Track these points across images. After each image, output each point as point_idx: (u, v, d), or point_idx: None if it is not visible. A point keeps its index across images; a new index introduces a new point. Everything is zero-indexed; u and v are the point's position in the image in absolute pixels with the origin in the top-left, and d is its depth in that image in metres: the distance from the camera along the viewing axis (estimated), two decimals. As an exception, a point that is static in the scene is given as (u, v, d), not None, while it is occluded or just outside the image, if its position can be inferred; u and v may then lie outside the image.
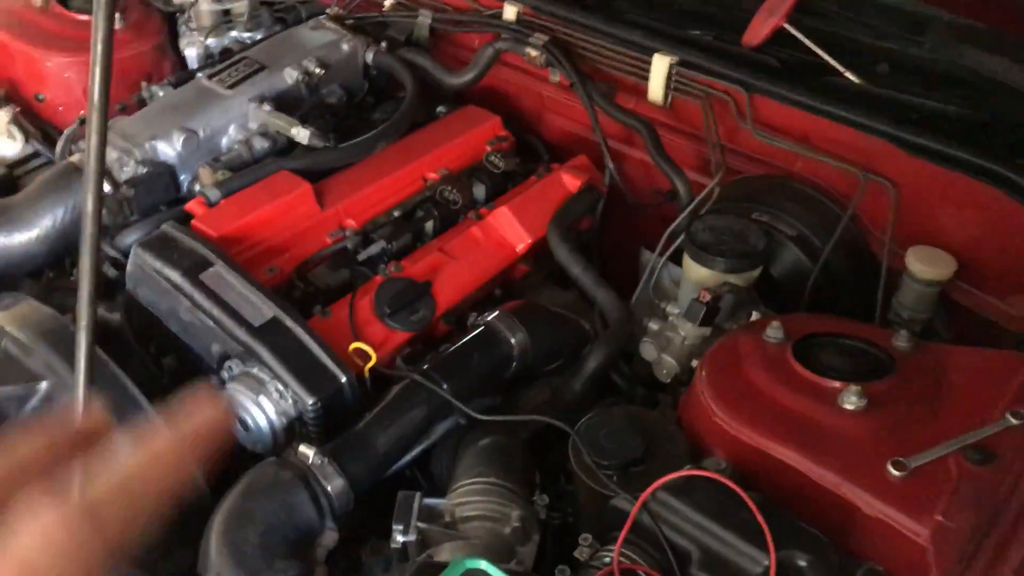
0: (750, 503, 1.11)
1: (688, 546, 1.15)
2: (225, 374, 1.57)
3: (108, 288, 1.78)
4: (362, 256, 1.75)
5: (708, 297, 1.52)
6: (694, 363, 1.53)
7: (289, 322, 1.53)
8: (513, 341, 1.59)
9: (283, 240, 1.74)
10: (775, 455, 1.24)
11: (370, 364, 1.56)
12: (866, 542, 1.15)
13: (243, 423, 1.53)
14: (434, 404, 1.48)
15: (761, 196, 1.79)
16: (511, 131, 2.11)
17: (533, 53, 2.01)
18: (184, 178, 1.90)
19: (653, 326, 1.64)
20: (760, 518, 1.10)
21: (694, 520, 1.15)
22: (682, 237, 1.68)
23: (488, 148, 2.05)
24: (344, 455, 1.38)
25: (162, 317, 1.63)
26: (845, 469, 1.19)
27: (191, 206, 1.74)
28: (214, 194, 1.74)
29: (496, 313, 1.62)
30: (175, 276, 1.57)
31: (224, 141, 1.93)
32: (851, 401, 1.24)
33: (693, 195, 1.82)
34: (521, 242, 1.84)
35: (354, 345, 1.55)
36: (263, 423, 1.50)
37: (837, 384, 1.28)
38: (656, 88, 1.93)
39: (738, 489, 1.13)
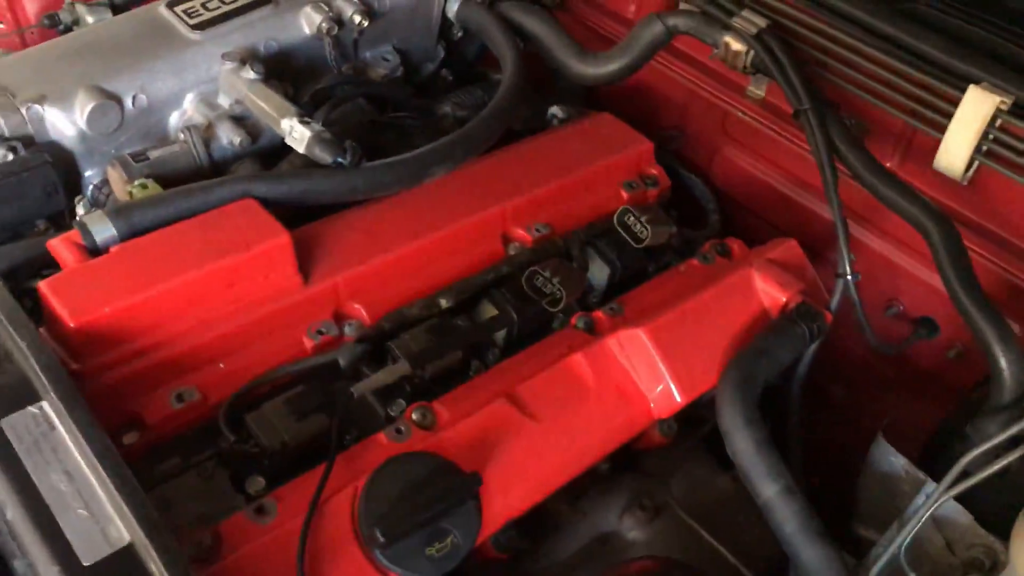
0: None
1: None
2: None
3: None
4: (359, 389, 0.91)
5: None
6: None
7: (156, 563, 0.70)
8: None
9: (217, 337, 0.91)
10: None
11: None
12: None
13: None
14: None
15: None
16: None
17: (733, 45, 1.13)
18: (90, 175, 1.08)
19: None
20: None
21: None
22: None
23: (625, 195, 1.19)
24: None
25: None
26: None
27: (55, 247, 0.91)
28: (102, 229, 0.91)
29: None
30: (-47, 409, 0.75)
31: (169, 121, 1.10)
32: None
33: None
34: (667, 399, 0.98)
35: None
36: None
37: None
38: (956, 147, 1.03)
39: None
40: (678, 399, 0.97)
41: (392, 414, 0.94)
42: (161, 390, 0.87)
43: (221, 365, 0.91)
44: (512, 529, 0.90)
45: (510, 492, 0.89)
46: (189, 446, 0.89)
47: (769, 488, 0.89)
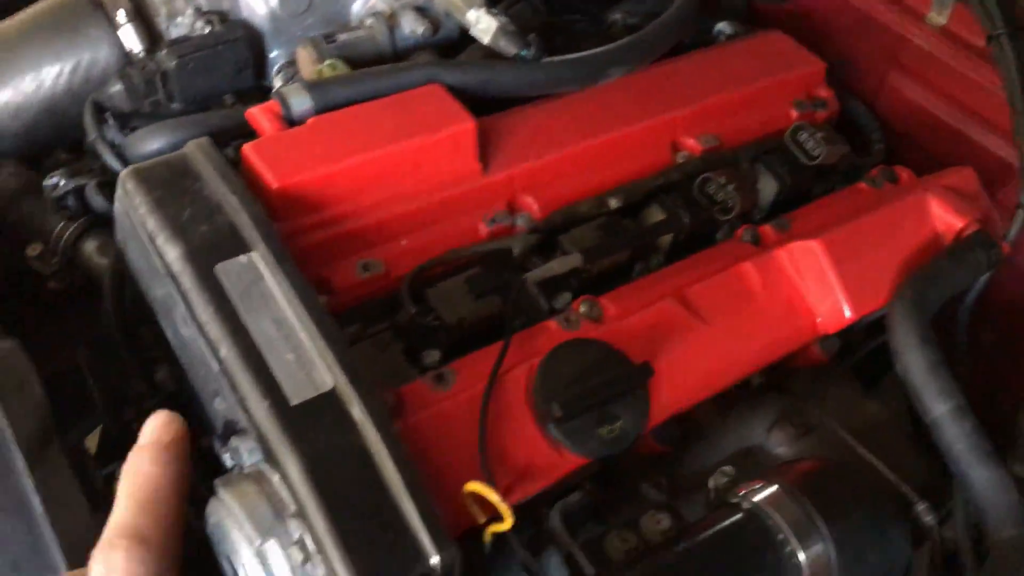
0: None
1: None
2: (227, 457, 0.81)
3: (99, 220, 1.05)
4: (533, 276, 0.93)
5: None
6: None
7: (359, 408, 0.74)
8: (803, 559, 0.74)
9: (401, 215, 0.94)
10: None
11: (497, 528, 0.76)
12: None
13: (231, 567, 0.77)
14: None
15: None
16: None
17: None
18: (275, 55, 1.11)
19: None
20: None
21: None
22: None
23: (795, 114, 1.17)
24: None
25: (153, 308, 0.88)
26: None
27: (255, 115, 0.95)
28: (300, 101, 0.94)
29: (772, 489, 0.78)
30: (172, 254, 0.79)
31: (352, 9, 1.12)
32: None
33: None
34: (835, 314, 0.98)
35: (473, 487, 0.75)
36: (262, 593, 0.73)
37: None
38: None
39: None
40: (847, 314, 0.97)
41: (556, 307, 0.96)
42: (349, 259, 0.90)
43: (403, 242, 0.93)
44: (674, 424, 0.92)
45: (676, 387, 0.90)
46: (367, 316, 0.93)
47: (940, 406, 0.88)
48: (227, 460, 0.82)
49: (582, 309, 0.93)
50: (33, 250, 1.06)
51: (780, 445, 1.04)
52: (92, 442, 1.21)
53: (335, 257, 0.90)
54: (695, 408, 0.99)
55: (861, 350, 1.10)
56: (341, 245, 0.90)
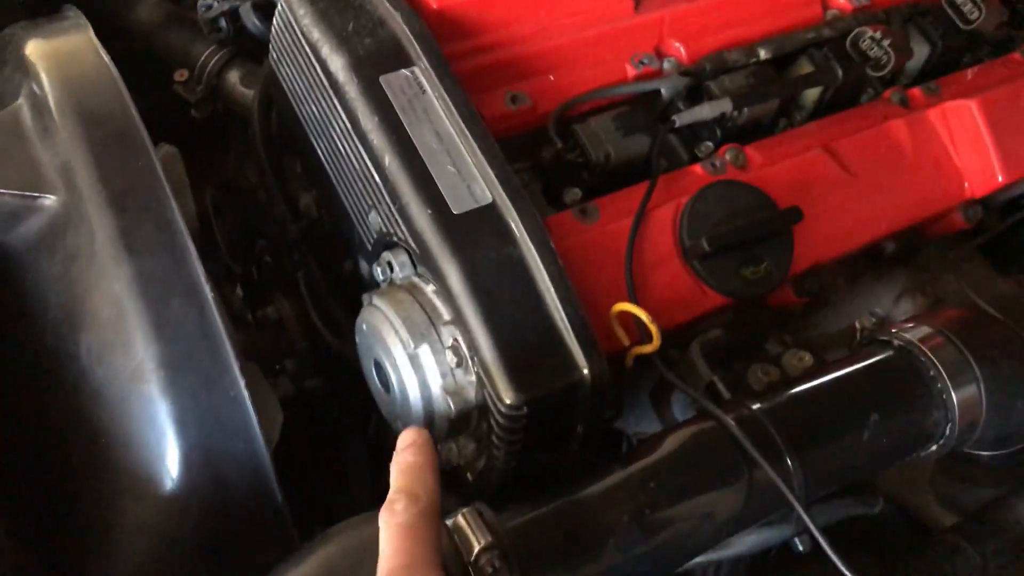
0: None
1: None
2: (378, 271, 0.84)
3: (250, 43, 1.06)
4: (683, 118, 0.93)
5: None
6: None
7: (517, 222, 0.75)
8: (954, 398, 0.74)
9: (551, 48, 0.93)
10: None
11: (643, 350, 0.77)
12: None
13: (381, 373, 0.80)
14: (756, 497, 0.68)
15: None
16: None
17: None
18: None
19: None
20: None
21: None
22: None
23: (952, -23, 1.12)
24: (538, 559, 0.63)
25: (305, 127, 0.90)
26: None
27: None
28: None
29: (926, 329, 0.78)
30: (337, 63, 0.80)
31: None
32: None
33: None
34: (986, 177, 0.95)
35: (623, 307, 0.76)
36: (413, 395, 0.77)
37: None
38: None
39: None
40: (999, 178, 0.94)
41: (699, 155, 0.95)
42: (498, 90, 0.90)
43: (551, 77, 0.93)
44: (817, 275, 0.91)
45: (820, 237, 0.90)
46: (509, 153, 0.93)
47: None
48: (378, 275, 0.84)
49: (727, 156, 0.92)
50: (180, 75, 1.08)
51: (908, 315, 1.03)
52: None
53: (485, 87, 0.90)
54: (825, 273, 0.98)
55: (996, 228, 1.08)
56: (492, 74, 0.90)
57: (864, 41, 0.99)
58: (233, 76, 1.10)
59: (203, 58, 1.09)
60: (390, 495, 0.60)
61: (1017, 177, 0.95)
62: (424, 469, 0.61)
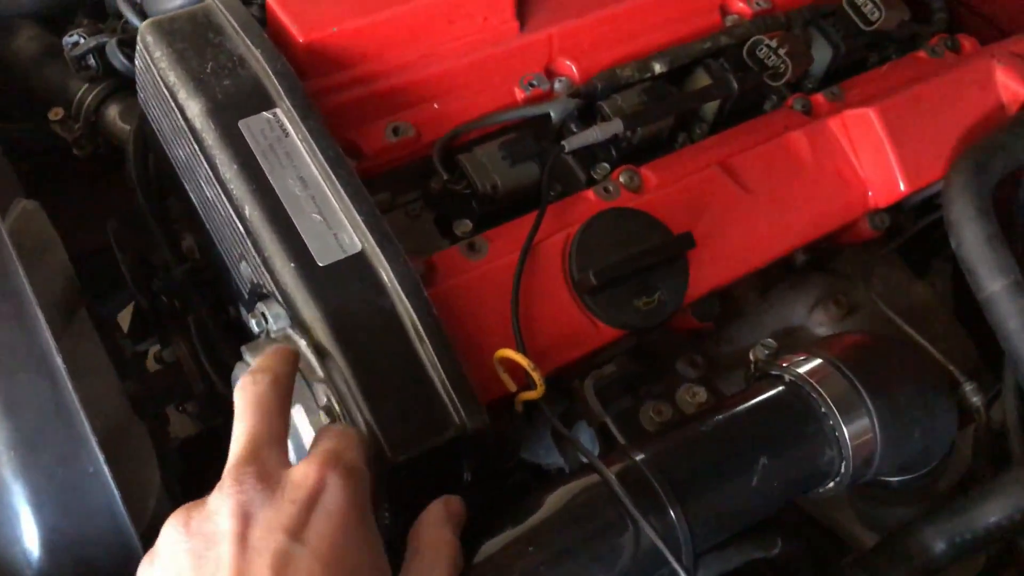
0: None
1: None
2: (254, 323, 0.79)
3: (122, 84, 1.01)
4: (572, 143, 0.89)
5: None
6: None
7: (387, 271, 0.71)
8: (846, 434, 0.72)
9: (434, 75, 0.89)
10: None
11: (528, 396, 0.74)
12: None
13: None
14: (642, 555, 0.65)
15: None
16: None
17: None
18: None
19: None
20: None
21: None
22: None
23: (853, -23, 1.10)
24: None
25: (176, 169, 0.85)
26: None
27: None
28: (327, -47, 0.88)
29: (816, 362, 0.75)
30: (193, 109, 0.76)
31: None
32: None
33: None
34: (889, 187, 0.93)
35: (505, 353, 0.73)
36: (291, 457, 0.72)
37: None
38: None
39: None
40: (902, 187, 0.92)
41: (595, 178, 0.91)
42: (378, 122, 0.86)
43: (436, 105, 0.89)
44: (715, 299, 0.88)
45: (717, 260, 0.87)
46: (397, 184, 0.90)
47: (996, 282, 0.83)
48: (253, 326, 0.80)
49: (621, 179, 0.89)
50: (55, 114, 1.03)
51: (822, 325, 1.00)
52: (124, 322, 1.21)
53: (364, 120, 0.86)
54: (735, 287, 0.95)
55: (910, 231, 1.05)
56: (370, 106, 0.86)
57: (761, 50, 0.96)
58: (112, 111, 1.04)
59: (80, 94, 1.04)
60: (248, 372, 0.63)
61: (919, 186, 0.92)
62: (283, 353, 0.65)
